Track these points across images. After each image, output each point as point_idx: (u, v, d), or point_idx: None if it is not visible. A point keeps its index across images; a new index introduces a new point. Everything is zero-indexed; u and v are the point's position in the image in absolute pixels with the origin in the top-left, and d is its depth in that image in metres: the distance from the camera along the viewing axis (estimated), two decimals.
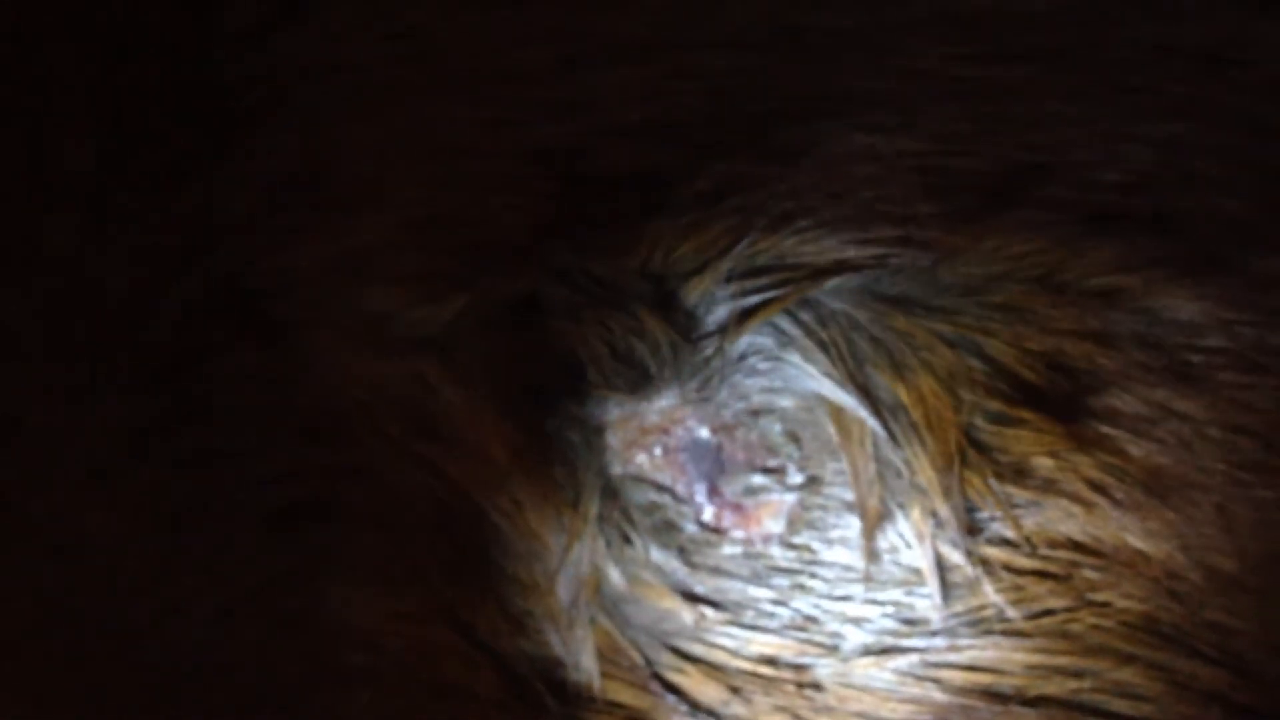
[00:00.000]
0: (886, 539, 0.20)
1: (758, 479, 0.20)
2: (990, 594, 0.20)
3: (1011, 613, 0.20)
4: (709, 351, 0.20)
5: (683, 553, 0.21)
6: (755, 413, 0.20)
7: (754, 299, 0.20)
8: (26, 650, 0.20)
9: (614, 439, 0.20)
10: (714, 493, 0.21)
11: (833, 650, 0.21)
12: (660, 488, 0.21)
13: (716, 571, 0.21)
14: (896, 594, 0.20)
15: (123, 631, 0.20)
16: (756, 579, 0.21)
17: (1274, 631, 0.20)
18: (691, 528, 0.21)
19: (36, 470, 0.19)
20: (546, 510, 0.20)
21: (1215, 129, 0.20)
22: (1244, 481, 0.19)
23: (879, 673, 0.20)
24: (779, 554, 0.21)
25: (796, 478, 0.20)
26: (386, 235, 0.19)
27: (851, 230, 0.19)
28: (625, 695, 0.21)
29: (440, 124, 0.19)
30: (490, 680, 0.20)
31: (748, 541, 0.21)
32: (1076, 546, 0.20)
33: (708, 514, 0.21)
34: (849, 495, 0.20)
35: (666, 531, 0.21)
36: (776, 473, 0.20)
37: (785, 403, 0.20)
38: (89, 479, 0.19)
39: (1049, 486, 0.20)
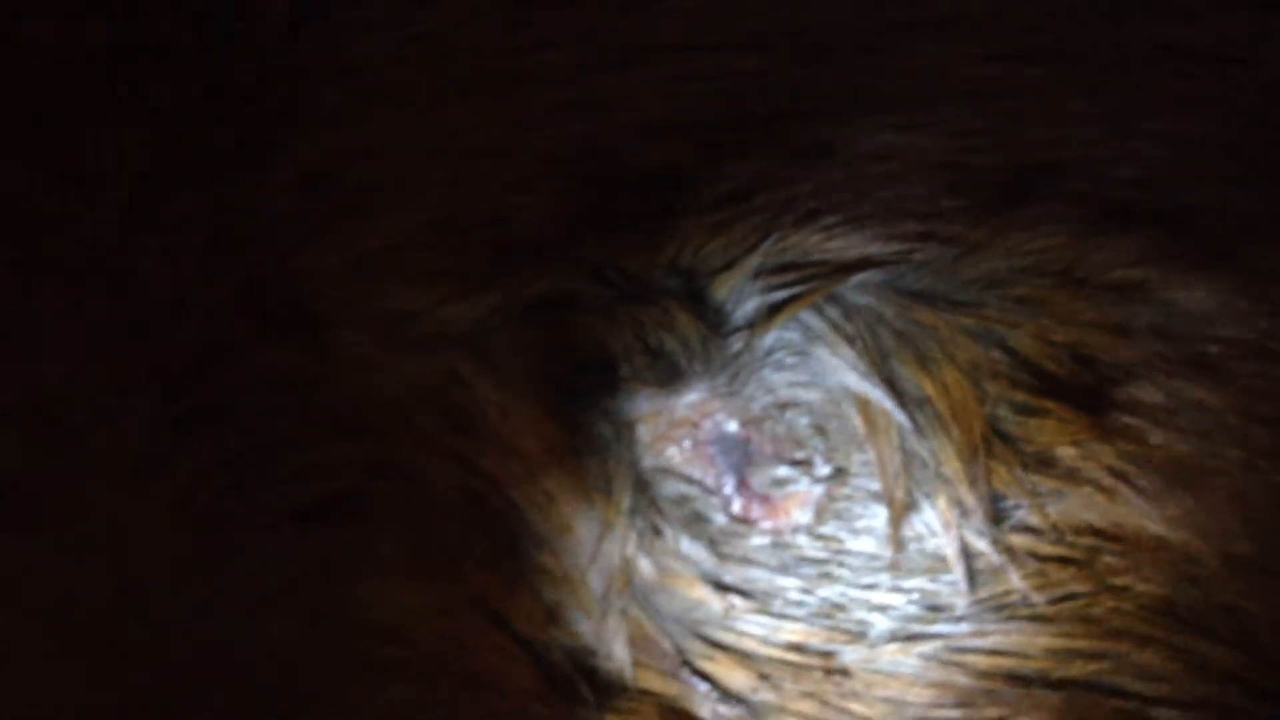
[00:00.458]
0: (912, 528, 0.21)
1: (785, 471, 0.21)
2: (1015, 580, 0.20)
3: (1036, 598, 0.20)
4: (738, 346, 0.20)
5: (712, 543, 0.21)
6: (783, 406, 0.21)
7: (781, 294, 0.20)
8: (57, 649, 0.21)
9: (644, 433, 0.21)
10: (742, 485, 0.21)
11: (859, 637, 0.21)
12: (690, 480, 0.21)
13: (745, 561, 0.21)
14: (922, 581, 0.21)
15: (154, 630, 0.21)
16: (784, 569, 0.21)
17: None
18: (720, 519, 0.21)
19: (72, 468, 0.19)
20: (579, 503, 0.21)
21: (1223, 126, 0.20)
22: (1260, 468, 0.20)
23: (905, 658, 0.21)
24: (806, 544, 0.21)
25: (823, 469, 0.21)
26: (414, 234, 0.19)
27: (875, 226, 0.20)
28: (656, 683, 0.21)
29: (466, 124, 0.19)
30: (525, 671, 0.21)
31: (776, 532, 0.21)
32: (1097, 533, 0.20)
33: (736, 505, 0.21)
34: (875, 486, 0.21)
35: (696, 523, 0.21)
36: (804, 465, 0.21)
37: (812, 396, 0.21)
38: (122, 477, 0.20)
39: (1072, 475, 0.20)
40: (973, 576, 0.21)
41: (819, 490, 0.21)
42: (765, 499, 0.21)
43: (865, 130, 0.19)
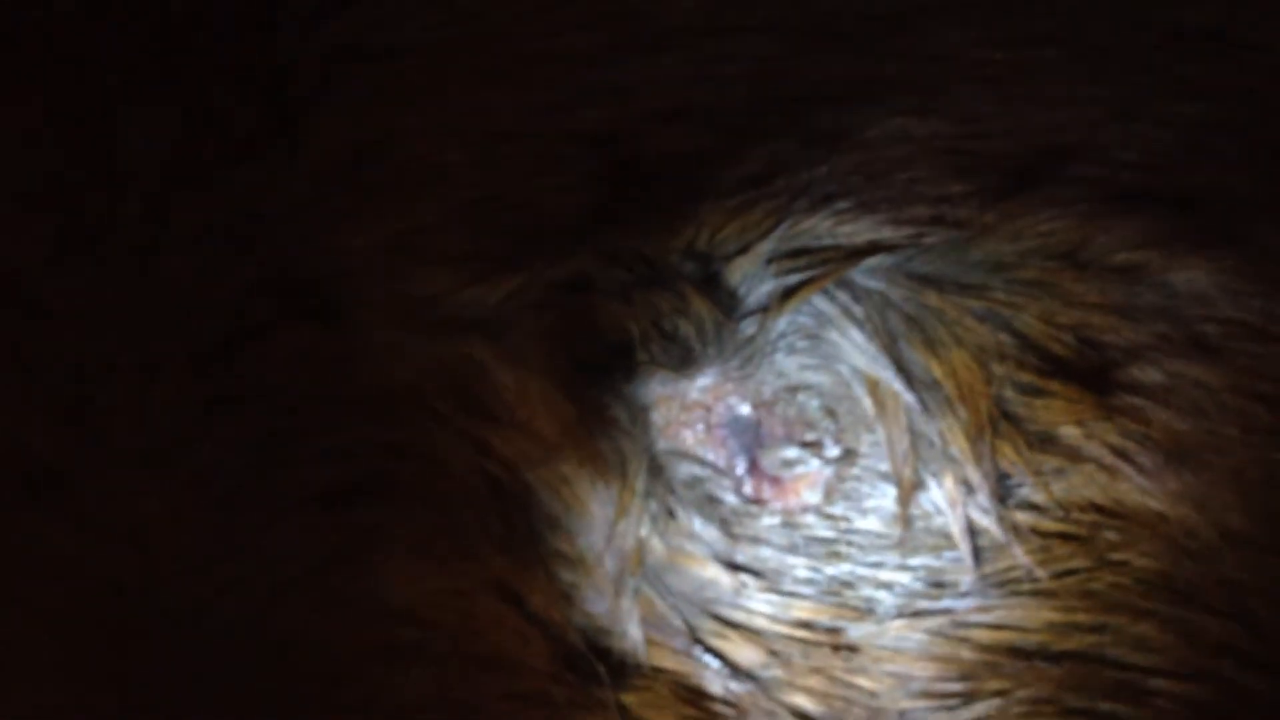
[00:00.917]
0: (919, 506, 0.21)
1: (796, 452, 0.21)
2: (1019, 556, 0.21)
3: (1039, 573, 0.21)
4: (751, 330, 0.21)
5: (724, 524, 0.21)
6: (794, 389, 0.21)
7: (793, 279, 0.20)
8: (80, 630, 0.21)
9: (658, 416, 0.21)
10: (754, 466, 0.21)
11: (867, 613, 0.21)
12: (702, 462, 0.21)
13: (756, 541, 0.21)
14: (928, 558, 0.21)
15: (175, 611, 0.21)
16: (794, 548, 0.21)
17: None
18: (732, 500, 0.21)
19: (100, 449, 0.19)
20: (594, 485, 0.21)
21: (1226, 109, 0.21)
22: (1257, 445, 0.21)
23: (911, 633, 0.21)
24: (816, 523, 0.21)
25: (833, 451, 0.21)
26: (437, 218, 0.19)
27: (886, 211, 0.20)
28: (669, 661, 0.22)
29: (490, 108, 0.19)
30: (541, 651, 0.21)
31: (786, 512, 0.21)
32: (1099, 509, 0.21)
33: (748, 486, 0.21)
34: (883, 466, 0.21)
35: (708, 504, 0.21)
36: (814, 446, 0.21)
37: (823, 379, 0.21)
38: (147, 459, 0.20)
39: (1075, 453, 0.21)
40: (978, 553, 0.21)
41: (828, 471, 0.21)
42: (776, 480, 0.21)
43: (878, 116, 0.19)
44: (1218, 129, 0.20)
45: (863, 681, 0.22)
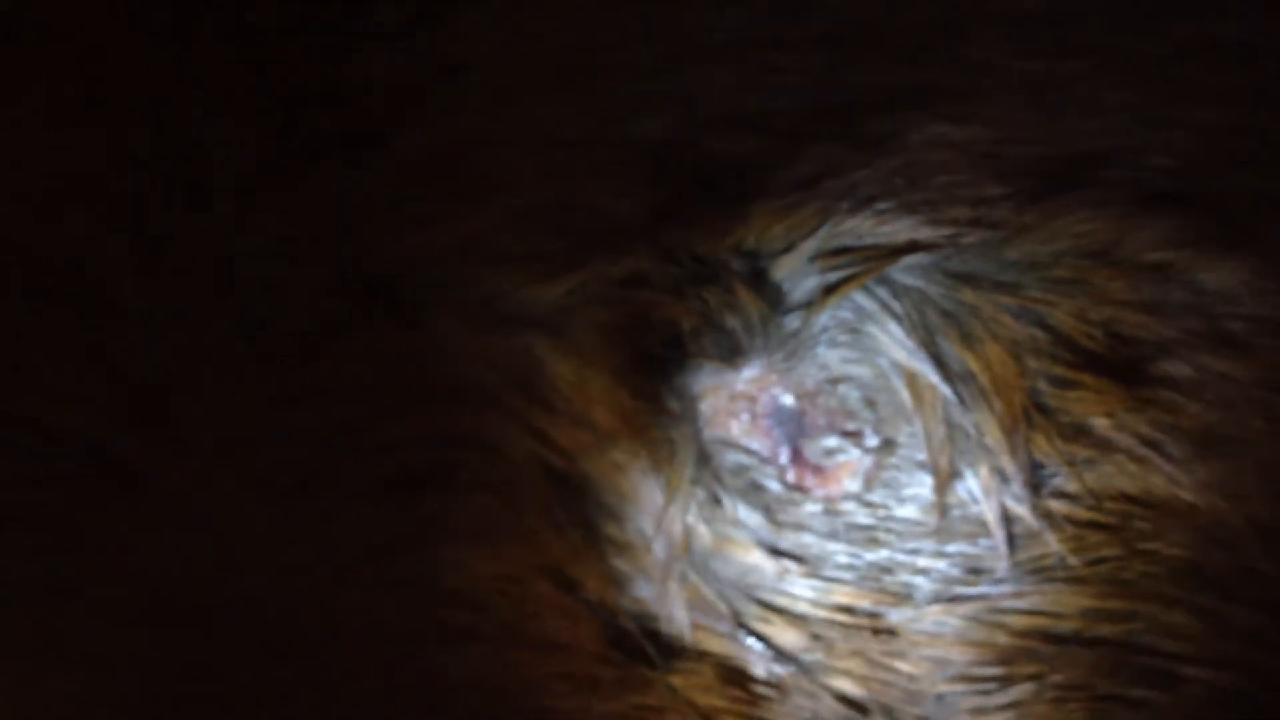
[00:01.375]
0: (955, 495, 0.22)
1: (837, 442, 0.22)
2: (1052, 544, 0.22)
3: (1071, 561, 0.22)
4: (795, 324, 0.21)
5: (768, 511, 0.22)
6: (835, 381, 0.22)
7: (836, 276, 0.21)
8: (148, 618, 0.21)
9: (706, 406, 0.22)
10: (796, 455, 0.22)
11: (905, 599, 0.22)
12: (748, 451, 0.22)
13: (798, 528, 0.22)
14: (964, 546, 0.22)
15: (239, 598, 0.21)
16: (835, 534, 0.22)
17: None
18: (776, 488, 0.22)
19: (176, 442, 0.20)
20: (645, 473, 0.22)
21: (1249, 115, 0.22)
22: None
23: (948, 619, 0.22)
24: (856, 511, 0.22)
25: (873, 440, 0.22)
26: (504, 221, 0.20)
27: (926, 212, 0.21)
28: (714, 644, 0.22)
29: (555, 118, 0.20)
30: (592, 634, 0.22)
31: (828, 500, 0.22)
32: (1130, 499, 0.22)
33: (791, 475, 0.22)
34: (921, 456, 0.22)
35: (753, 492, 0.22)
36: (854, 436, 0.22)
37: (863, 371, 0.22)
38: (220, 451, 0.20)
39: (1106, 444, 0.21)
40: (1012, 541, 0.22)
41: (868, 460, 0.22)
42: (818, 468, 0.22)
43: (920, 121, 0.20)
44: (1245, 135, 0.21)
45: (901, 665, 0.22)
